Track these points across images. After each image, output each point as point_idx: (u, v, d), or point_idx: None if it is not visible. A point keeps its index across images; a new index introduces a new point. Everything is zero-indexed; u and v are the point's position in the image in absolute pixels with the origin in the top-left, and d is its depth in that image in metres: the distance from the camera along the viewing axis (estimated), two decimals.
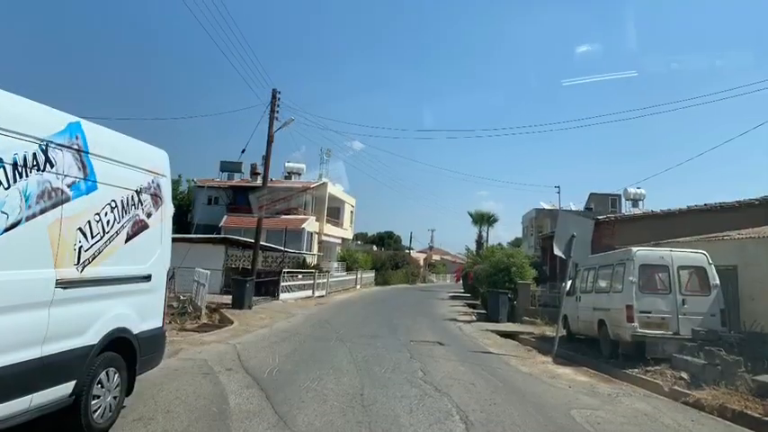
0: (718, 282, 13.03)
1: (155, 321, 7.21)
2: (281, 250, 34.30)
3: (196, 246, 25.17)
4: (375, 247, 78.96)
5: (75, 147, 5.65)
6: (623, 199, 57.56)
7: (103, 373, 6.04)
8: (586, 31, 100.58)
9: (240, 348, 12.56)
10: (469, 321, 23.54)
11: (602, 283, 14.97)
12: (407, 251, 79.73)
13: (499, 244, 75.05)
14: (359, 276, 46.73)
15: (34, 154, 5.04)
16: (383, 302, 32.70)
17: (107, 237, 6.12)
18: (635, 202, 57.30)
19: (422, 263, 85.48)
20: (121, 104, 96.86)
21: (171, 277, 10.26)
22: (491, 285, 25.33)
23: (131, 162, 6.68)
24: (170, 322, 15.13)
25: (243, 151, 43.31)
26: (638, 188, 57.19)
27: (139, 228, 6.79)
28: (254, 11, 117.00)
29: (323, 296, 33.41)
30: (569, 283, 16.51)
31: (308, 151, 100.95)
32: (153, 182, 7.14)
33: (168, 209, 7.59)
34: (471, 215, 60.73)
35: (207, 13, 41.34)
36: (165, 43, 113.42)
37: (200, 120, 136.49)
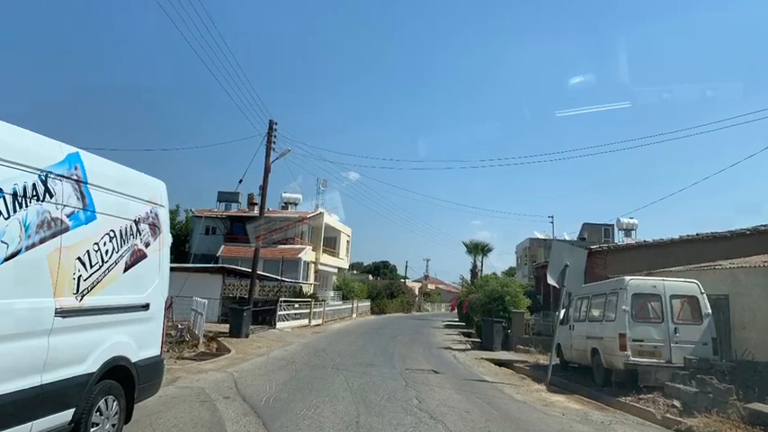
0: (710, 311, 13.15)
1: (153, 350, 7.29)
2: (278, 279, 34.32)
3: (194, 275, 25.23)
4: (371, 277, 79.05)
5: (75, 177, 5.77)
6: (616, 229, 57.86)
7: (102, 400, 6.10)
8: (579, 63, 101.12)
9: (237, 376, 12.60)
10: (464, 350, 23.54)
11: (596, 312, 15.07)
12: (403, 280, 79.63)
13: (493, 273, 75.34)
14: (355, 305, 46.70)
15: (34, 184, 5.13)
16: (379, 331, 32.64)
17: (106, 266, 6.23)
18: (627, 231, 57.46)
19: (417, 292, 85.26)
20: (121, 135, 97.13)
21: (169, 306, 10.34)
22: (486, 314, 25.38)
23: (130, 192, 6.81)
24: (168, 350, 15.19)
25: (240, 181, 43.76)
26: (631, 218, 57.33)
27: (138, 257, 6.91)
28: (251, 44, 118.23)
29: (319, 324, 33.38)
30: (563, 311, 16.63)
31: (305, 181, 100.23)
32: (151, 211, 7.27)
33: (166, 238, 7.71)
34: (466, 245, 60.76)
35: (205, 45, 41.77)
36: (163, 75, 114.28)
37: (198, 150, 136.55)
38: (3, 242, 4.74)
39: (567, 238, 56.21)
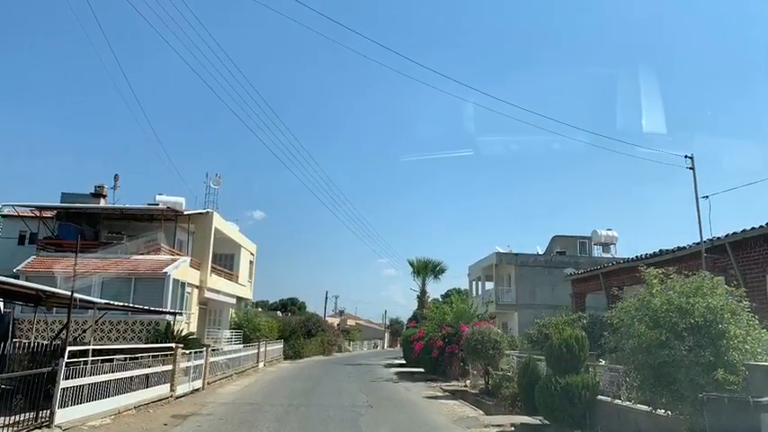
0: None
1: None
2: (124, 308, 19.02)
3: None
4: (280, 313, 65.11)
5: None
6: (592, 243, 47.12)
7: None
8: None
9: None
10: None
11: None
12: (322, 317, 65.50)
13: (456, 289, 62.62)
14: (262, 350, 31.65)
15: None
16: (304, 398, 18.09)
17: None
18: (605, 246, 46.88)
19: (336, 328, 71.10)
20: None
21: None
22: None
23: None
24: None
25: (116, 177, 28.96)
26: (609, 230, 47.74)
27: None
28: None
29: (196, 391, 18.45)
30: None
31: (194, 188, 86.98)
32: None
33: None
34: (411, 264, 46.52)
35: None
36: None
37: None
38: None
39: (539, 252, 44.81)
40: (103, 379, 12.48)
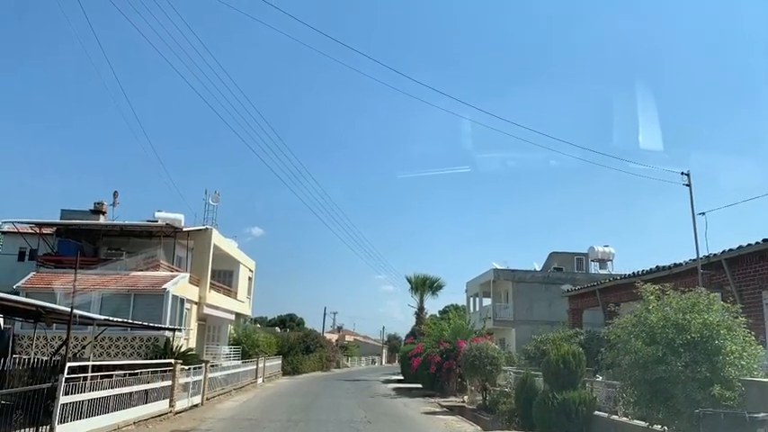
0: None
1: None
2: (123, 324, 19.05)
3: None
4: (278, 329, 65.10)
5: None
6: (589, 259, 47.13)
7: None
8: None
9: None
10: None
11: None
12: (321, 333, 65.48)
13: (453, 305, 62.61)
14: (261, 366, 31.62)
15: None
16: (303, 413, 18.13)
17: None
18: (603, 262, 46.82)
19: (334, 344, 71.03)
20: None
21: None
22: None
23: None
24: None
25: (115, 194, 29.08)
26: (606, 246, 47.55)
27: None
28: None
29: (195, 407, 18.47)
30: None
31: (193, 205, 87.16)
32: None
33: None
34: (409, 280, 46.58)
35: None
36: None
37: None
38: None
39: (537, 268, 44.91)
40: (103, 395, 12.51)
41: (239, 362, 29.32)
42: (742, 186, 40.66)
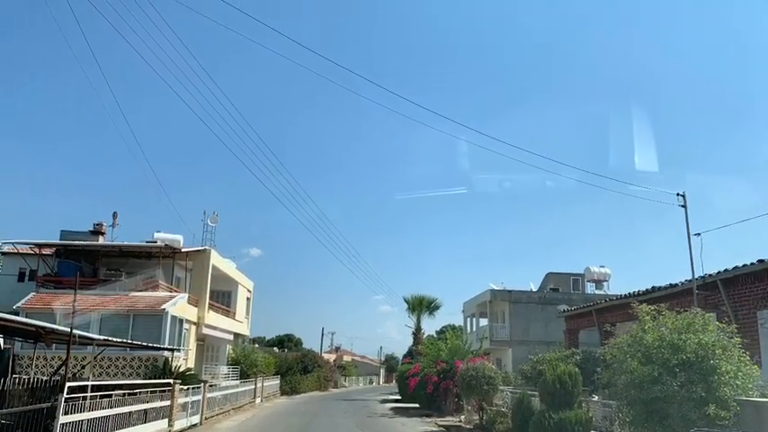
0: None
1: None
2: (122, 344, 19.10)
3: None
4: (276, 349, 64.99)
5: None
6: (585, 280, 47.22)
7: None
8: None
9: None
10: None
11: None
12: (319, 353, 65.46)
13: (450, 325, 62.70)
14: (259, 385, 31.58)
15: None
16: None
17: None
18: (599, 283, 46.97)
19: (332, 365, 70.90)
20: None
21: None
22: None
23: None
24: None
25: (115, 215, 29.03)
26: (602, 267, 47.75)
27: None
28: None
29: (194, 426, 18.54)
30: None
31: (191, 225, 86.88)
32: None
33: None
34: (407, 301, 46.62)
35: None
36: None
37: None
38: None
39: (533, 289, 45.05)
40: (102, 414, 12.61)
41: (238, 381, 29.31)
42: (737, 207, 40.90)
